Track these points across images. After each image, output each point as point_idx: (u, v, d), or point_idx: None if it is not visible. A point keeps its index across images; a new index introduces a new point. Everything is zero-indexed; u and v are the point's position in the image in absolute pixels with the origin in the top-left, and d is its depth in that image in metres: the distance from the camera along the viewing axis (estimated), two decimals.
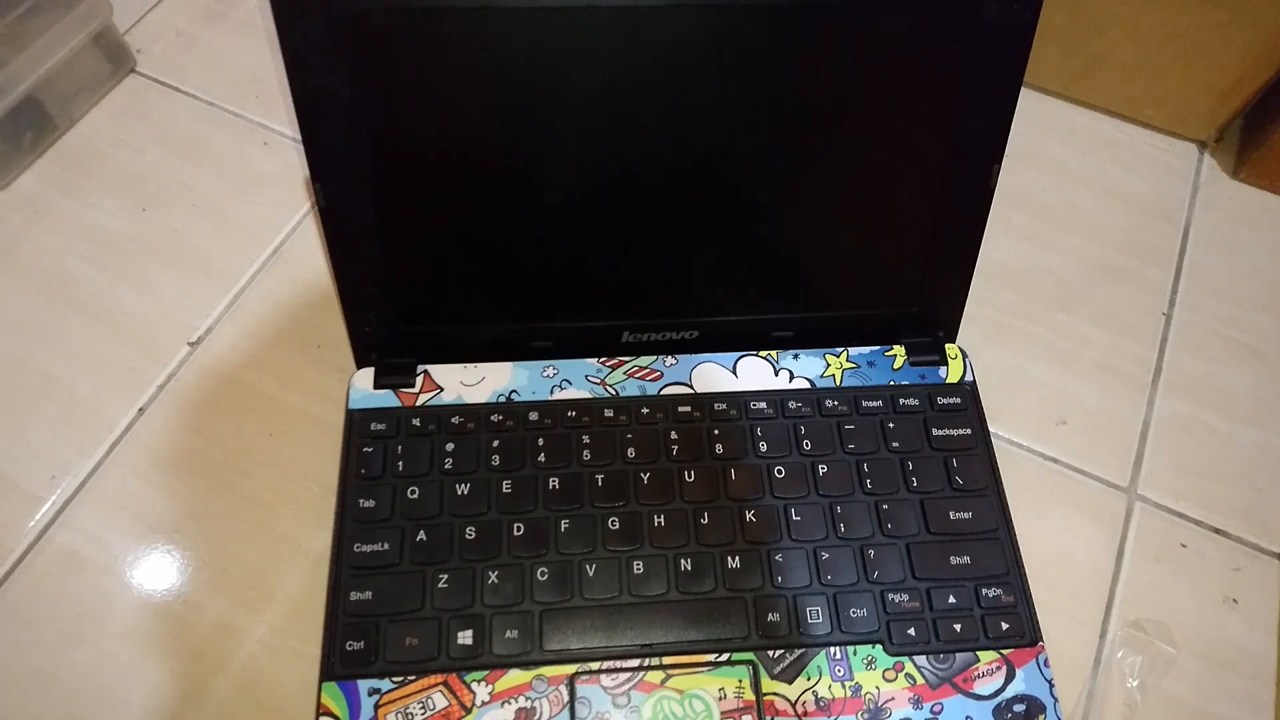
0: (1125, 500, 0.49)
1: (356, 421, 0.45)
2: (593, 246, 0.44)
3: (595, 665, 0.40)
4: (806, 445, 0.45)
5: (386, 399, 0.46)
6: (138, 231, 0.54)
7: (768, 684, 0.39)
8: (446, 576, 0.41)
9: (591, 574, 0.41)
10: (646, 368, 0.47)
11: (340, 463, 0.44)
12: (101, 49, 0.58)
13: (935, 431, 0.46)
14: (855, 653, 0.40)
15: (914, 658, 0.40)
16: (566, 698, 0.39)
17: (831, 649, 0.40)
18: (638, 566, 0.42)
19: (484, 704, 0.39)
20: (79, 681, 0.42)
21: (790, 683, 0.40)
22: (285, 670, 0.42)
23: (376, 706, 0.39)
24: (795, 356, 0.48)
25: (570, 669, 0.39)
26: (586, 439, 0.45)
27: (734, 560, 0.42)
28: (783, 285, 0.47)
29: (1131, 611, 0.45)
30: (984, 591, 0.42)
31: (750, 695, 0.39)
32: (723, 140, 0.41)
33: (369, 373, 0.46)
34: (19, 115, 0.55)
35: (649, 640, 0.40)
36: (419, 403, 0.46)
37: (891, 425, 0.46)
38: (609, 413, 0.46)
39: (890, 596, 0.42)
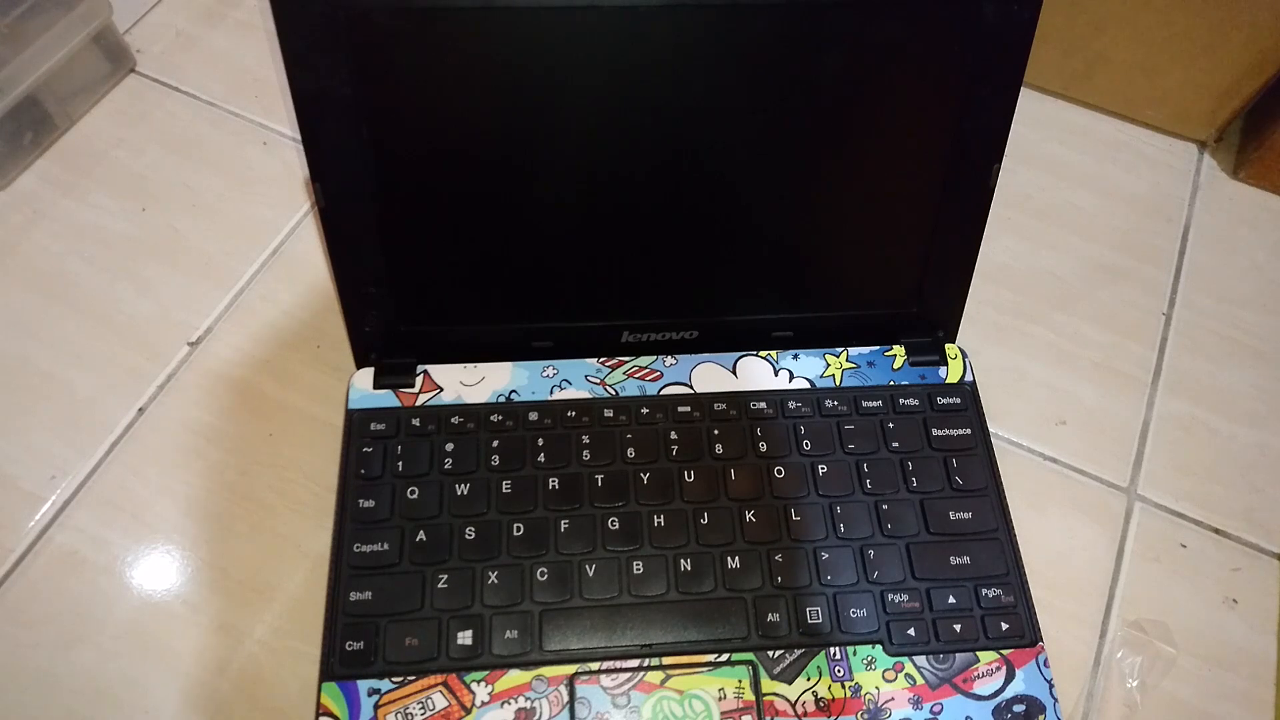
0: (1125, 500, 0.49)
1: (356, 422, 0.45)
2: (592, 246, 0.44)
3: (595, 665, 0.40)
4: (806, 445, 0.45)
5: (386, 399, 0.46)
6: (138, 231, 0.54)
7: (767, 684, 0.39)
8: (446, 577, 0.41)
9: (591, 574, 0.41)
10: (646, 368, 0.47)
11: (340, 463, 0.44)
12: (101, 49, 0.58)
13: (935, 431, 0.46)
14: (855, 653, 0.40)
15: (914, 658, 0.40)
16: (566, 698, 0.39)
17: (831, 649, 0.40)
18: (637, 567, 0.42)
19: (484, 704, 0.39)
20: (79, 681, 0.42)
21: (790, 683, 0.40)
22: (285, 670, 0.42)
23: (376, 707, 0.39)
24: (795, 356, 0.48)
25: (570, 669, 0.39)
26: (586, 439, 0.45)
27: (734, 560, 0.42)
28: (782, 285, 0.47)
29: (1131, 611, 0.45)
30: (984, 592, 0.42)
31: (750, 695, 0.39)
32: (722, 140, 0.41)
33: (369, 373, 0.46)
34: (19, 115, 0.55)
35: (649, 640, 0.40)
36: (419, 403, 0.46)
37: (891, 425, 0.46)
38: (609, 413, 0.46)
39: (890, 597, 0.42)
